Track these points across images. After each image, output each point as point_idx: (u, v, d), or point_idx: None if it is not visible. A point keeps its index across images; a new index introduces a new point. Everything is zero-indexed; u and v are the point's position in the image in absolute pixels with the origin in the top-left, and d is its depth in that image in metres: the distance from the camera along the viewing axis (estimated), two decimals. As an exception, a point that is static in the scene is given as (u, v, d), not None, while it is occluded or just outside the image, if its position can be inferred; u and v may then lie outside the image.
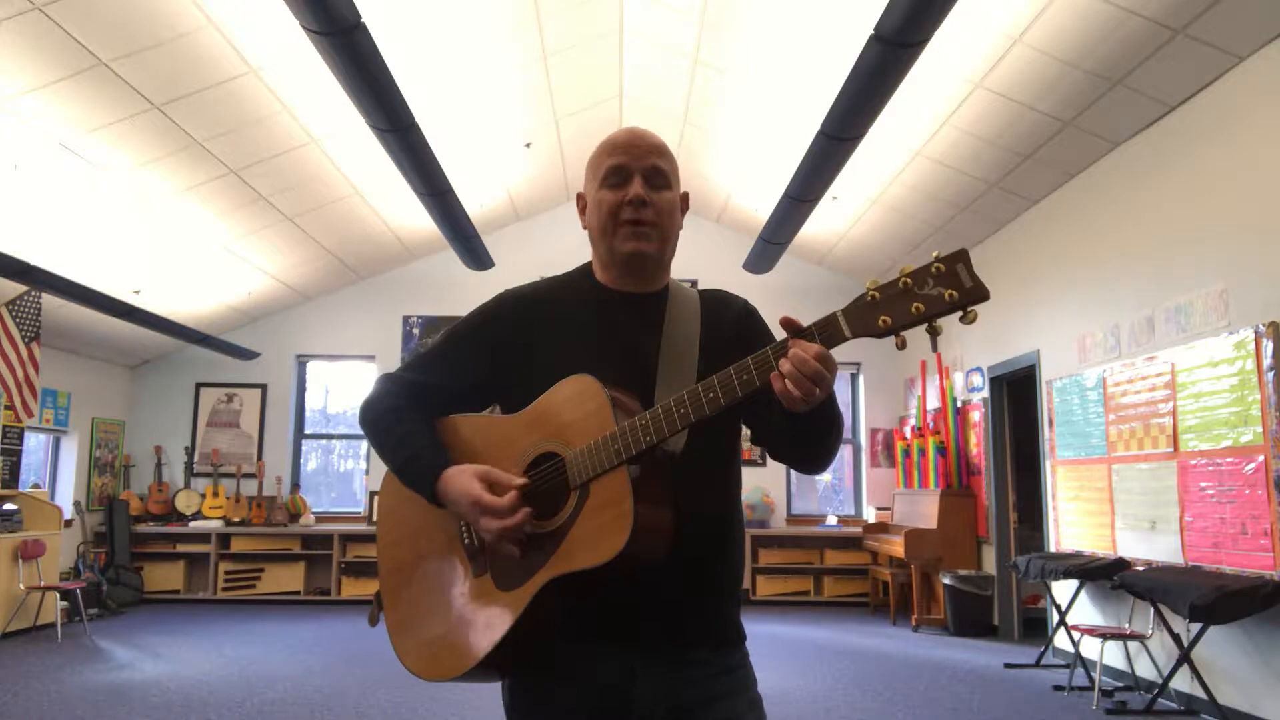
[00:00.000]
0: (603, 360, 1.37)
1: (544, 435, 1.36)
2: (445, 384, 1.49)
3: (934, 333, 1.17)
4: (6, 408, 6.88)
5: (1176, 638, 4.68)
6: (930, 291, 1.15)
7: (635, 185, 1.42)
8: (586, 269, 1.54)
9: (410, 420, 1.45)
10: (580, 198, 1.52)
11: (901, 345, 1.19)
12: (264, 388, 9.37)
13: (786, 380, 1.18)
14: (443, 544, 1.44)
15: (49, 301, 6.92)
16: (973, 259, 1.17)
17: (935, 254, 1.16)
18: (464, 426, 1.47)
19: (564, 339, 1.44)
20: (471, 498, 1.31)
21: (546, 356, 1.41)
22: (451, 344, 1.51)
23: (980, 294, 1.13)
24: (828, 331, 1.20)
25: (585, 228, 1.51)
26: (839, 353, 1.23)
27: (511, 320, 1.48)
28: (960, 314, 1.15)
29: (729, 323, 1.49)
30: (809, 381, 1.18)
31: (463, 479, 1.34)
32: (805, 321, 1.23)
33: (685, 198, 1.53)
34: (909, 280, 1.16)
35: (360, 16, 4.17)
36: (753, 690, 1.42)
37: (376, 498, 1.58)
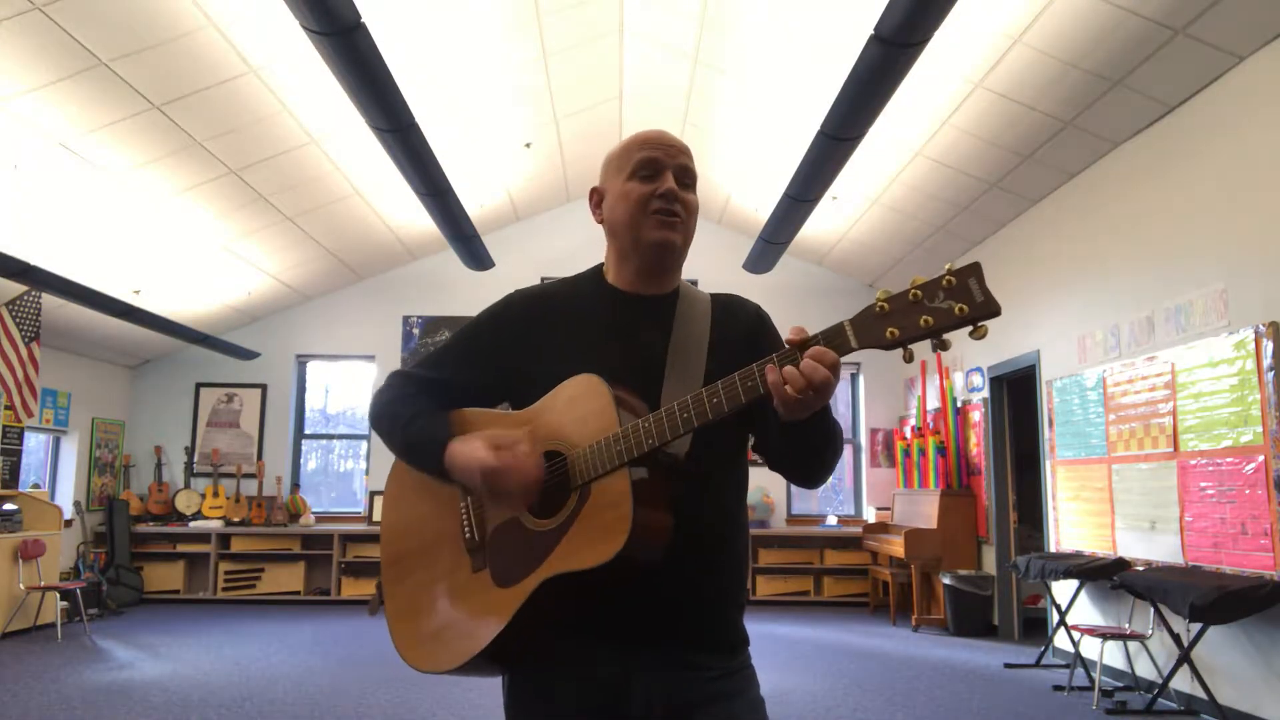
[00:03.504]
0: (611, 360, 1.36)
1: (548, 434, 1.35)
2: (453, 380, 1.49)
3: (942, 347, 1.14)
4: (6, 408, 6.88)
5: (1176, 638, 4.68)
6: (940, 305, 1.11)
7: (668, 179, 1.42)
8: (597, 270, 1.52)
9: (418, 403, 1.45)
10: (595, 192, 1.50)
11: (909, 358, 1.16)
12: (264, 388, 9.37)
13: (788, 385, 1.16)
14: (444, 538, 1.44)
15: (49, 301, 6.92)
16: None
17: (948, 266, 1.14)
18: (472, 420, 1.46)
19: (572, 339, 1.43)
20: (480, 461, 1.30)
21: (554, 356, 1.41)
22: (460, 342, 1.51)
23: (991, 309, 1.10)
24: (835, 341, 1.17)
25: (600, 221, 1.49)
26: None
27: (520, 320, 1.48)
28: (970, 328, 1.12)
29: (740, 326, 1.48)
30: (812, 390, 1.16)
31: (469, 446, 1.32)
32: (812, 328, 1.20)
33: None
34: (919, 292, 1.13)
35: (360, 16, 4.17)
36: (754, 691, 1.40)
37: (382, 490, 1.58)
